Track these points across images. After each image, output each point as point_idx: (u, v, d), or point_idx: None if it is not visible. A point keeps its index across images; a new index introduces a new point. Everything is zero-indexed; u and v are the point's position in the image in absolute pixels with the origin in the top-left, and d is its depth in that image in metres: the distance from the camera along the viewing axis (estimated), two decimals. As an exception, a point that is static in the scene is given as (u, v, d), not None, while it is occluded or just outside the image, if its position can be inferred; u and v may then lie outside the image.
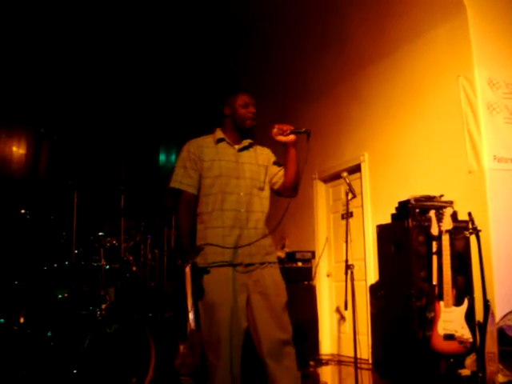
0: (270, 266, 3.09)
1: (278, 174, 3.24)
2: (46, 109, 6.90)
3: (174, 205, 3.21)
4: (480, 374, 4.23)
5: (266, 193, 3.22)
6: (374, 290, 5.51)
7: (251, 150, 3.27)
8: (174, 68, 8.17)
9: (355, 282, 5.52)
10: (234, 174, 3.10)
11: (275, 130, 3.10)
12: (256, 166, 3.21)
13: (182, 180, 3.12)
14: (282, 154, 3.23)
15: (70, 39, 7.22)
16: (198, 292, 2.95)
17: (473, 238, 4.61)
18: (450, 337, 4.20)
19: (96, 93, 7.45)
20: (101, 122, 7.57)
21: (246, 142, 3.25)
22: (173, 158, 8.64)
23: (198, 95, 8.36)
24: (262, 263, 3.05)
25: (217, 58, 8.62)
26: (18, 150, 6.86)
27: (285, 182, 3.18)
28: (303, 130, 3.09)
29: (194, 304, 2.98)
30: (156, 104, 8.03)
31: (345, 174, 4.64)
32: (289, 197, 3.23)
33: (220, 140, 3.20)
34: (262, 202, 3.16)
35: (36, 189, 5.84)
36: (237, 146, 3.21)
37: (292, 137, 3.09)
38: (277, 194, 3.30)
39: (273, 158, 3.32)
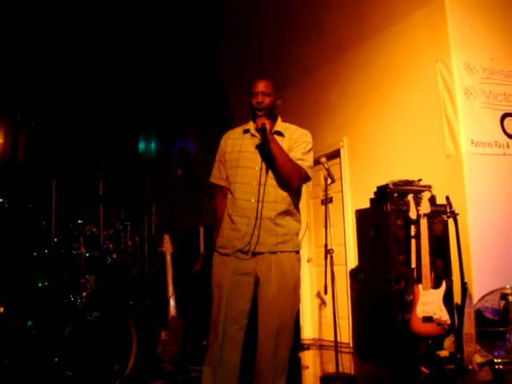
0: (283, 254, 3.04)
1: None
2: (22, 96, 6.82)
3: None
4: (458, 355, 4.32)
5: None
6: (353, 274, 5.56)
7: (278, 138, 3.12)
8: (152, 56, 8.10)
9: (335, 267, 5.56)
10: (250, 164, 3.08)
11: (254, 125, 3.09)
12: None
13: (214, 174, 3.29)
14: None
15: (47, 25, 7.13)
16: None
17: (451, 222, 4.68)
18: (428, 319, 4.27)
19: (75, 80, 7.37)
20: (80, 110, 7.49)
21: (272, 130, 3.13)
22: (152, 146, 8.60)
23: (177, 83, 8.32)
24: (273, 252, 3.02)
25: (195, 46, 8.56)
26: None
27: (280, 177, 3.07)
28: (259, 127, 2.98)
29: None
30: (135, 92, 7.97)
31: (323, 160, 4.66)
32: (294, 189, 3.12)
33: (246, 131, 3.22)
34: (277, 192, 3.05)
35: (14, 177, 5.77)
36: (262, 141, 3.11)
37: (259, 134, 3.04)
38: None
39: (300, 144, 3.16)
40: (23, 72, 6.89)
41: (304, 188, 7.27)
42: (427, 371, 4.30)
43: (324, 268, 4.72)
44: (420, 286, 4.34)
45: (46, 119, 6.74)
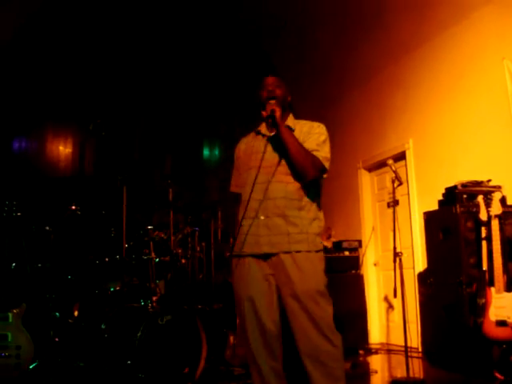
0: (300, 254, 2.90)
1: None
2: (90, 106, 7.05)
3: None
4: (534, 361, 4.18)
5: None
6: (422, 277, 5.47)
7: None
8: (217, 63, 8.22)
9: (403, 270, 5.51)
10: (258, 163, 2.95)
11: (264, 112, 2.97)
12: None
13: (232, 183, 3.27)
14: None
15: (113, 34, 7.35)
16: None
17: (523, 223, 4.54)
18: (502, 323, 4.15)
19: (140, 87, 7.56)
20: (145, 117, 7.69)
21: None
22: (216, 152, 8.71)
23: (240, 90, 8.40)
24: (287, 252, 2.89)
25: (256, 50, 8.65)
26: (64, 149, 7.03)
27: (294, 168, 2.98)
28: (268, 114, 2.91)
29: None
30: (200, 98, 8.10)
31: (390, 162, 4.63)
32: (310, 180, 3.00)
33: (257, 132, 3.19)
34: (288, 189, 2.96)
35: (84, 185, 5.97)
36: (271, 134, 3.02)
37: (269, 120, 2.94)
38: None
39: (310, 136, 3.07)
40: (90, 83, 7.12)
41: (369, 191, 7.26)
42: (502, 377, 4.17)
43: (391, 271, 4.68)
44: (493, 289, 4.23)
45: (114, 127, 6.93)
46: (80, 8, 7.14)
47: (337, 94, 7.68)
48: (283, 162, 2.98)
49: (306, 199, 3.00)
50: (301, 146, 2.94)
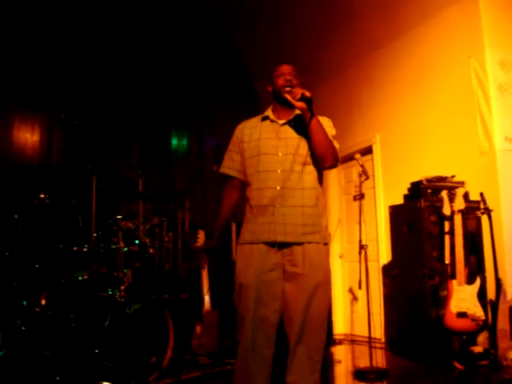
0: (311, 246, 2.90)
1: None
2: (57, 94, 6.97)
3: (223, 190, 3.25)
4: (492, 351, 4.34)
5: (312, 167, 2.96)
6: (386, 270, 5.60)
7: (298, 122, 3.03)
8: (182, 51, 8.19)
9: (368, 263, 5.62)
10: (272, 150, 2.98)
11: (289, 96, 2.91)
12: (300, 140, 2.98)
13: (225, 164, 3.20)
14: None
15: (83, 23, 7.27)
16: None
17: (484, 218, 4.68)
18: (462, 314, 4.29)
19: (108, 77, 7.50)
20: (113, 107, 7.63)
21: (293, 114, 3.06)
22: (184, 142, 8.69)
23: (208, 81, 8.41)
24: (300, 243, 2.89)
25: (225, 42, 8.65)
26: (32, 137, 6.95)
27: (314, 152, 2.93)
28: (306, 96, 2.82)
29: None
30: (169, 89, 8.07)
31: (358, 156, 4.71)
32: (326, 168, 3.01)
33: (264, 118, 3.12)
34: (304, 179, 2.93)
35: (51, 174, 5.91)
36: (281, 121, 3.05)
37: (302, 103, 2.85)
38: (320, 167, 3.05)
39: (327, 128, 3.03)
40: (57, 68, 7.03)
41: (336, 184, 7.35)
42: (461, 367, 4.32)
43: (356, 263, 4.78)
44: (454, 282, 4.36)
45: (82, 116, 6.87)
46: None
47: (305, 88, 7.73)
48: (299, 151, 2.95)
49: (319, 191, 3.01)
50: (326, 132, 2.92)
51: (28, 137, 6.91)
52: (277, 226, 2.90)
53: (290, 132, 3.01)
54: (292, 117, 3.05)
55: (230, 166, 3.18)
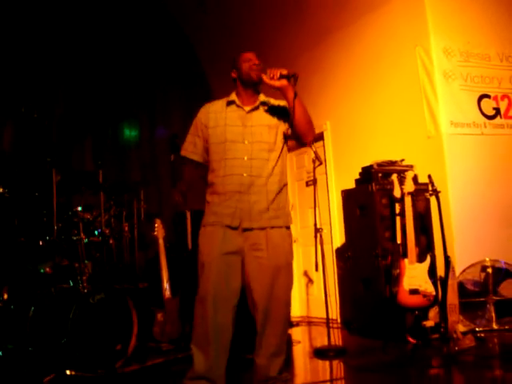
0: (274, 230, 3.00)
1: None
2: (9, 85, 6.88)
3: (182, 173, 3.31)
4: (442, 325, 4.57)
5: (276, 154, 3.06)
6: (340, 252, 5.80)
7: (263, 108, 3.14)
8: (131, 40, 8.17)
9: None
10: (239, 138, 3.04)
11: (266, 77, 2.98)
12: (266, 128, 3.08)
13: (187, 147, 3.22)
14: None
15: (33, 14, 7.19)
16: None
17: (433, 200, 4.90)
18: (414, 291, 4.51)
19: (59, 67, 7.44)
20: (64, 97, 7.58)
21: (257, 101, 3.13)
22: (135, 132, 8.69)
23: (158, 69, 8.42)
24: (263, 228, 2.98)
25: (176, 33, 8.67)
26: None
27: (295, 129, 3.04)
28: (291, 74, 2.95)
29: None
30: (117, 79, 8.04)
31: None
32: (307, 142, 3.16)
33: (230, 102, 3.15)
34: (270, 165, 3.02)
35: (4, 167, 5.86)
36: (247, 108, 3.10)
37: (284, 81, 2.95)
38: (299, 143, 3.20)
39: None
40: (6, 58, 6.93)
41: (289, 170, 7.48)
42: (414, 341, 4.54)
43: (310, 247, 4.94)
44: (406, 261, 4.57)
45: (33, 107, 6.80)
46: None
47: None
48: (265, 138, 3.05)
49: (284, 177, 3.12)
50: (306, 108, 3.08)
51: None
52: (242, 212, 2.97)
53: (255, 119, 3.09)
54: (257, 103, 3.13)
55: (192, 150, 3.20)
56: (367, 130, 6.11)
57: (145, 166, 8.19)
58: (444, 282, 4.51)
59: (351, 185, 5.60)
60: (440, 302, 4.56)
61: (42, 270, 4.54)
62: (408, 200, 4.66)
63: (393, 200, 4.91)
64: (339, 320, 6.02)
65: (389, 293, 4.70)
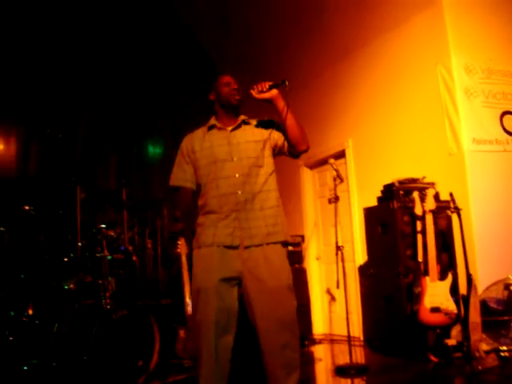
0: (269, 247, 2.96)
1: (283, 136, 3.12)
2: (32, 105, 7.03)
3: (176, 202, 3.25)
4: (465, 343, 4.52)
5: (267, 169, 3.08)
6: (363, 269, 5.78)
7: (246, 127, 3.17)
8: (159, 63, 8.32)
9: (345, 264, 5.77)
10: (227, 157, 3.04)
11: (255, 91, 3.01)
12: (252, 144, 3.10)
13: (178, 176, 3.17)
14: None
15: (55, 32, 7.35)
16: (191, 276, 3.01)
17: (455, 217, 4.89)
18: (436, 309, 4.48)
19: (82, 87, 7.58)
20: (89, 117, 7.71)
21: (239, 120, 3.17)
22: (159, 149, 8.79)
23: (183, 88, 8.54)
24: (259, 245, 2.94)
25: (198, 50, 8.79)
26: (8, 149, 6.99)
27: (289, 137, 3.05)
28: (280, 81, 2.96)
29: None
30: (143, 97, 8.17)
31: (332, 161, 4.91)
32: (303, 152, 3.12)
33: (211, 127, 3.17)
34: (261, 181, 3.03)
35: (31, 186, 5.99)
36: (229, 128, 3.13)
37: (274, 91, 3.00)
38: (292, 155, 3.18)
39: (275, 124, 3.16)
40: (31, 79, 7.09)
41: (311, 188, 7.50)
42: (436, 359, 4.51)
43: (333, 265, 4.94)
44: (427, 279, 4.55)
45: (58, 127, 6.94)
46: (17, 7, 7.10)
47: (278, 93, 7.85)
48: (252, 153, 3.06)
49: (277, 192, 3.11)
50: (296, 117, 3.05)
51: (3, 149, 6.95)
52: (243, 231, 2.95)
53: (239, 137, 3.11)
54: (239, 122, 3.16)
55: (183, 177, 3.16)
56: (389, 148, 6.11)
57: (167, 183, 8.26)
58: (466, 300, 4.49)
59: (373, 202, 5.60)
60: (462, 320, 4.53)
61: (66, 287, 4.62)
62: (429, 218, 4.66)
63: (414, 217, 4.90)
64: (362, 337, 5.99)
65: (410, 311, 4.68)
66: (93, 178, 7.40)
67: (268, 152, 3.12)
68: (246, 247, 2.94)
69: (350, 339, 4.78)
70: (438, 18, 5.47)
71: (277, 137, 3.14)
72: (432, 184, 5.20)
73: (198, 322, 2.91)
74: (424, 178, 5.29)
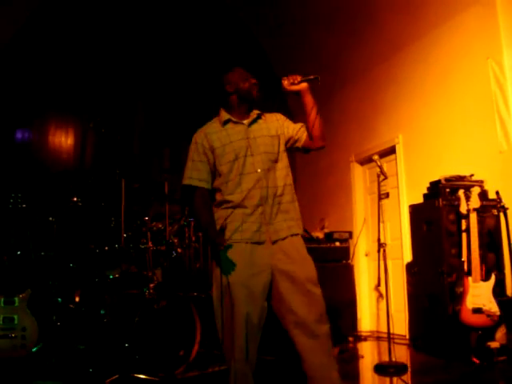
0: (294, 238, 2.99)
1: (301, 130, 3.14)
2: (90, 98, 7.26)
3: (189, 202, 3.18)
4: (510, 347, 4.42)
5: (283, 163, 3.10)
6: (409, 267, 5.71)
7: (261, 121, 3.16)
8: (214, 57, 8.42)
9: (392, 261, 5.74)
10: (247, 152, 3.02)
11: (286, 82, 3.04)
12: (269, 138, 3.10)
13: (191, 175, 3.07)
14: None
15: (112, 29, 7.56)
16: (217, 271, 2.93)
17: (502, 216, 4.77)
18: (478, 310, 4.40)
19: (139, 81, 7.75)
20: (144, 111, 7.89)
21: (254, 115, 3.16)
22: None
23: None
24: (286, 237, 2.96)
25: (252, 44, 8.84)
26: (66, 141, 7.23)
27: (311, 131, 3.07)
28: (312, 76, 3.01)
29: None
30: (197, 91, 8.28)
31: (376, 157, 4.87)
32: (319, 148, 3.14)
33: (226, 121, 3.12)
34: (280, 175, 3.05)
35: (85, 178, 6.19)
36: (246, 121, 3.11)
37: (304, 84, 3.03)
38: (305, 151, 3.19)
39: (285, 119, 3.22)
40: (90, 73, 7.32)
41: (361, 184, 7.45)
42: (478, 362, 4.42)
43: (379, 262, 4.91)
44: (470, 279, 4.47)
45: (113, 120, 7.14)
46: (79, 4, 7.35)
47: (330, 90, 7.83)
48: (270, 148, 3.07)
49: (292, 187, 3.12)
50: None
51: (63, 141, 7.21)
52: (268, 226, 2.96)
53: (257, 131, 3.10)
54: (255, 116, 3.16)
55: (198, 177, 3.06)
56: (438, 144, 6.00)
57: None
58: (510, 301, 4.38)
59: (421, 199, 5.53)
60: (506, 322, 4.43)
61: (110, 276, 4.77)
62: (473, 216, 4.56)
63: (460, 216, 4.82)
64: (408, 336, 5.92)
65: (452, 311, 4.60)
66: (148, 170, 7.58)
67: (282, 147, 3.15)
68: (274, 242, 2.95)
69: (389, 337, 4.74)
70: (490, 11, 5.33)
71: (291, 131, 3.17)
72: (480, 182, 5.09)
73: (228, 317, 2.87)
74: (472, 175, 5.18)
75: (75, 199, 4.75)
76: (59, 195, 5.04)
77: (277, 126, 3.16)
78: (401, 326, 6.12)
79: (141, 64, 7.79)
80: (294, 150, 3.25)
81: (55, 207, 4.94)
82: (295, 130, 3.16)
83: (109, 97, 7.41)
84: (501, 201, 4.58)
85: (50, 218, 4.75)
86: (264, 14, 8.27)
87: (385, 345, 5.99)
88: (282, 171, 3.08)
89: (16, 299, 4.39)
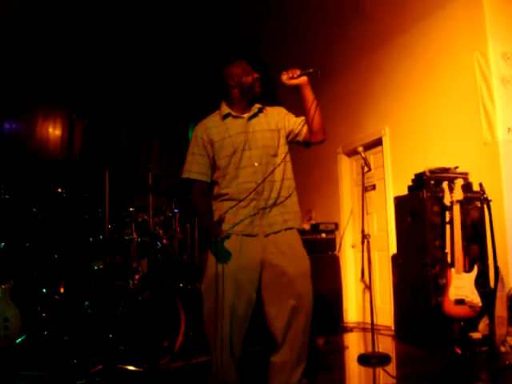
0: (288, 232, 3.03)
1: (301, 123, 3.16)
2: (78, 89, 7.22)
3: (182, 194, 3.21)
4: (492, 338, 4.44)
5: (282, 157, 3.11)
6: (394, 259, 5.73)
7: (261, 115, 3.18)
8: (201, 48, 8.39)
9: (378, 252, 5.76)
10: (245, 146, 3.04)
11: (285, 76, 3.05)
12: (268, 132, 3.12)
13: (190, 168, 3.13)
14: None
15: (101, 20, 7.52)
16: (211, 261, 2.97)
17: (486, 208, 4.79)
18: (460, 301, 4.42)
19: (127, 72, 7.72)
20: (132, 101, 7.87)
21: (255, 109, 3.18)
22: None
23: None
24: (279, 231, 2.99)
25: (239, 34, 8.82)
26: (53, 132, 7.20)
27: (310, 125, 3.07)
28: (311, 70, 3.03)
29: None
30: (186, 81, 8.26)
31: (360, 149, 4.87)
32: (319, 142, 3.14)
33: (226, 115, 3.14)
34: (278, 170, 3.06)
35: (71, 169, 6.16)
36: (246, 115, 3.14)
37: (303, 78, 3.04)
38: (306, 144, 3.21)
39: (287, 113, 3.23)
40: (78, 64, 7.28)
41: (348, 176, 7.47)
42: (460, 352, 4.45)
43: (362, 253, 4.93)
44: (453, 270, 4.49)
45: (99, 113, 7.11)
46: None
47: (317, 81, 7.82)
48: (269, 143, 3.09)
49: (292, 182, 3.16)
50: None
51: (50, 132, 7.17)
52: (262, 220, 3.00)
53: (257, 124, 3.13)
54: (256, 110, 3.17)
55: (198, 170, 3.11)
56: (424, 136, 6.02)
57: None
58: (492, 293, 4.40)
59: (406, 191, 5.55)
60: (489, 313, 4.45)
61: (95, 267, 4.76)
62: (456, 208, 4.58)
63: (443, 208, 4.84)
64: (393, 327, 5.95)
65: (435, 302, 4.63)
66: (136, 162, 7.56)
67: (283, 141, 3.17)
68: (266, 235, 2.99)
69: (373, 328, 4.78)
70: (476, 4, 5.34)
71: (292, 125, 3.18)
72: (465, 174, 5.11)
73: (213, 308, 2.89)
74: (457, 167, 5.20)
75: (59, 190, 4.73)
76: (44, 186, 5.02)
77: (277, 120, 3.18)
78: (386, 317, 6.16)
79: (128, 55, 7.76)
80: (295, 144, 3.26)
81: (39, 198, 4.92)
82: (296, 124, 3.18)
83: (96, 88, 7.37)
84: (484, 193, 4.60)
85: (34, 209, 4.74)
86: (251, 3, 8.23)
87: (370, 336, 6.06)
88: (281, 165, 3.10)
89: (-2, 290, 4.38)
